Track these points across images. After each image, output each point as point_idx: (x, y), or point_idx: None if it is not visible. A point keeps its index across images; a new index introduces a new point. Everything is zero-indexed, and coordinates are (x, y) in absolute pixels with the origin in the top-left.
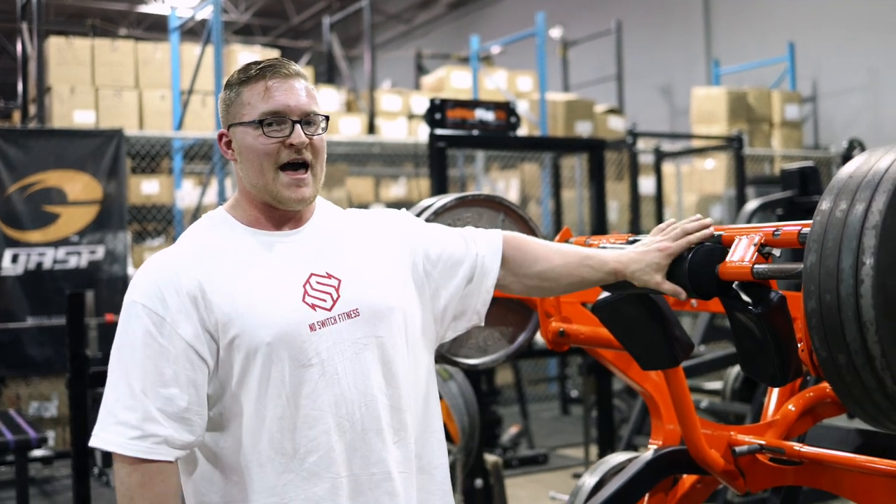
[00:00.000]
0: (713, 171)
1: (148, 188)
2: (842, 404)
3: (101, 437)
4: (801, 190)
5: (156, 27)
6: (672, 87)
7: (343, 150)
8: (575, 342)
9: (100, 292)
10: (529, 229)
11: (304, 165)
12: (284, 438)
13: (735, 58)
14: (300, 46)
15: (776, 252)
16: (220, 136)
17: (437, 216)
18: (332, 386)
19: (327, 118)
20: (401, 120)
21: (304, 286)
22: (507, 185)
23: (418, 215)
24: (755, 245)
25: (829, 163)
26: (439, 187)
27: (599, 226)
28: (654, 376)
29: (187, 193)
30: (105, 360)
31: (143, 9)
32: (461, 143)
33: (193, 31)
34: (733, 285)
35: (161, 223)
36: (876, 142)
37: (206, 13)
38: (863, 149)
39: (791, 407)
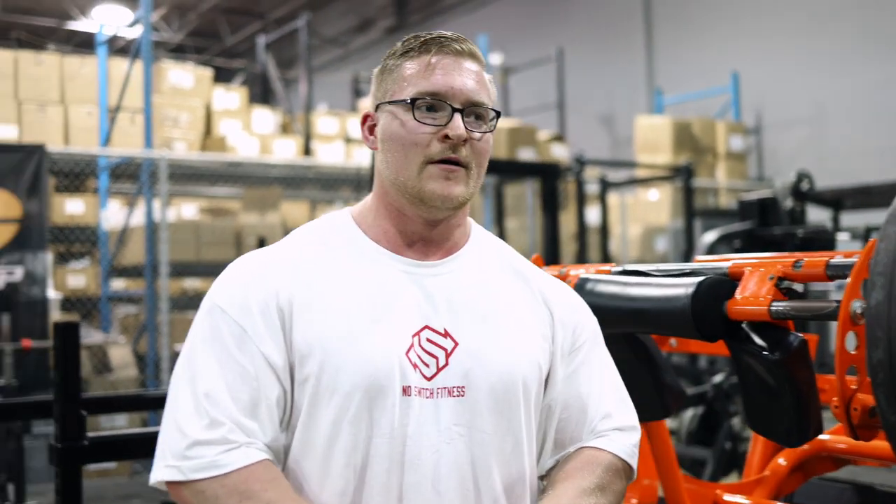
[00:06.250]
0: (657, 202)
1: (72, 207)
2: (839, 460)
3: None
4: (760, 221)
5: (85, 45)
6: (613, 115)
7: (278, 173)
8: None
9: (17, 316)
10: None
11: (457, 165)
12: None
13: (678, 87)
14: (234, 66)
15: (798, 287)
16: (365, 119)
17: None
18: (408, 473)
19: (498, 114)
20: (337, 143)
21: (413, 337)
22: None
23: None
24: (771, 279)
25: (774, 195)
26: None
27: (552, 256)
28: None
29: (113, 214)
30: (22, 389)
31: (72, 25)
32: None
33: (125, 50)
34: (743, 325)
35: (85, 244)
36: (821, 175)
37: (136, 31)
38: (811, 181)
39: (781, 461)
